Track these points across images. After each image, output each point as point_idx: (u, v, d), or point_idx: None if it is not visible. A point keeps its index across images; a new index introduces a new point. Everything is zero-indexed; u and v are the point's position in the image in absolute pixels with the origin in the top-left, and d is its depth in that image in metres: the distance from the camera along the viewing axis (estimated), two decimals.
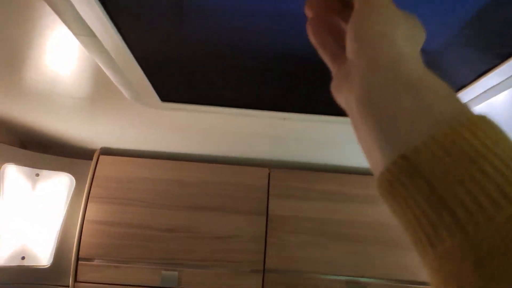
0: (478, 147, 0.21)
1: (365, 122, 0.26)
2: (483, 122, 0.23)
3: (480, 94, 0.67)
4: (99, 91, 0.93)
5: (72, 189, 1.36)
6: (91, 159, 1.37)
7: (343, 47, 0.32)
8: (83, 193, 1.33)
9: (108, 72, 0.75)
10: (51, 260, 1.28)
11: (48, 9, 0.60)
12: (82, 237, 1.28)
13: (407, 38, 0.28)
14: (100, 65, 0.72)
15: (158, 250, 1.29)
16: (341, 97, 0.31)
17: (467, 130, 0.22)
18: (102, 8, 0.52)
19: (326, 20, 0.35)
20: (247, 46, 0.59)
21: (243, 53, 0.60)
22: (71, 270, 1.25)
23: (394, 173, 0.23)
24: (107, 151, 1.42)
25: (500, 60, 0.55)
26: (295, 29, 0.51)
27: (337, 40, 0.34)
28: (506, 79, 0.60)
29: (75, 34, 0.61)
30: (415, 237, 0.23)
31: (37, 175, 1.30)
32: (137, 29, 0.59)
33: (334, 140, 1.16)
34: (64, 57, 0.78)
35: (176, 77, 0.74)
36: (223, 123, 1.07)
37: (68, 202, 1.34)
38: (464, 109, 0.24)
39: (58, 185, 1.34)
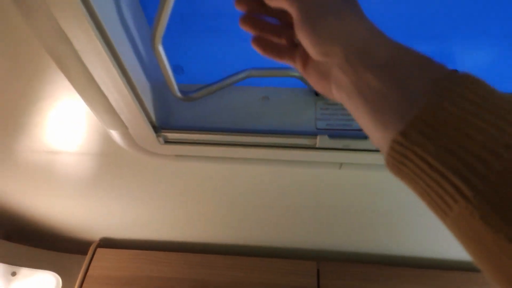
0: (468, 107, 0.22)
1: (363, 111, 0.28)
2: (469, 81, 0.23)
3: None
4: (108, 168, 0.76)
5: None
6: (85, 253, 1.08)
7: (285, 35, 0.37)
8: None
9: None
10: None
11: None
12: None
13: (350, 8, 0.30)
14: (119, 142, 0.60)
15: None
16: (329, 93, 0.33)
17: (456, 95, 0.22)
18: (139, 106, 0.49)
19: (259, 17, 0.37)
20: None
21: None
22: None
23: (397, 150, 0.25)
24: (107, 243, 1.13)
25: None
26: None
27: (279, 34, 0.38)
28: None
29: (108, 128, 0.55)
30: (431, 207, 0.25)
31: (14, 273, 1.01)
32: None
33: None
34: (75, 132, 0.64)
35: None
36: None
37: None
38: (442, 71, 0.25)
39: (39, 287, 1.03)
